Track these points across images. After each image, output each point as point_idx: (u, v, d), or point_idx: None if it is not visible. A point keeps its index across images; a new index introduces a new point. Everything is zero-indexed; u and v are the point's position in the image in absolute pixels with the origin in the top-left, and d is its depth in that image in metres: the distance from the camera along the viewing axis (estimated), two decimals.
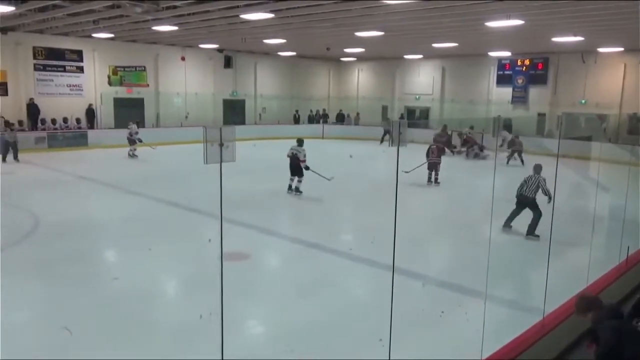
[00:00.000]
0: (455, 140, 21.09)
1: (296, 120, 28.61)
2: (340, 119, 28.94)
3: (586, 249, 6.18)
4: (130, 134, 17.86)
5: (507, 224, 9.06)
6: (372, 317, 5.30)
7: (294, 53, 26.80)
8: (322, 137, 25.74)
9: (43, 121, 20.28)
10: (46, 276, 6.81)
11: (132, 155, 17.80)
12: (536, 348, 4.18)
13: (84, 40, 20.89)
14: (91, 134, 20.70)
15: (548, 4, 12.02)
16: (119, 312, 5.71)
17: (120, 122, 21.87)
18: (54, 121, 20.29)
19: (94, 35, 19.96)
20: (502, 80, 25.05)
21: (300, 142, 12.25)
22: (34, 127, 20.02)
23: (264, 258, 8.16)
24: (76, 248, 7.94)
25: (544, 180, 8.54)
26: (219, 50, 25.40)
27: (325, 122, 28.55)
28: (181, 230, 9.07)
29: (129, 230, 9.17)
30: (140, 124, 21.07)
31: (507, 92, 24.85)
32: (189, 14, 14.85)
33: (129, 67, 22.73)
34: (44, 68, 20.50)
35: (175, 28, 17.29)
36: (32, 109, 20.17)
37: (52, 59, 20.64)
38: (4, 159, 16.19)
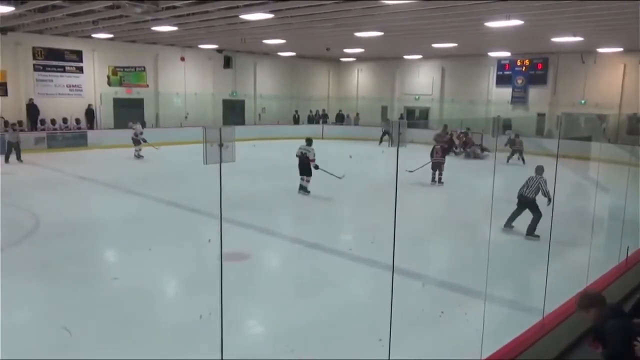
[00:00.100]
0: (455, 141, 21.12)
1: (296, 121, 28.62)
2: (340, 119, 28.95)
3: (586, 249, 6.18)
4: (136, 134, 17.79)
5: (508, 224, 9.10)
6: (372, 317, 5.29)
7: (293, 53, 26.81)
8: (322, 138, 25.70)
9: (42, 121, 20.29)
10: (46, 276, 6.81)
11: (138, 156, 17.78)
12: (536, 348, 4.17)
13: (84, 40, 20.90)
14: (91, 134, 20.70)
15: (549, 4, 12.03)
16: (119, 312, 5.71)
17: (119, 122, 21.89)
18: (53, 121, 20.29)
19: (94, 35, 19.96)
20: (501, 81, 25.07)
21: (309, 141, 12.31)
22: (33, 127, 20.02)
23: (264, 258, 8.16)
24: (76, 248, 7.94)
25: (545, 181, 8.56)
26: (219, 51, 25.41)
27: (324, 122, 28.55)
28: (181, 230, 9.08)
29: (129, 230, 9.18)
30: (142, 124, 21.08)
31: (506, 92, 24.87)
32: (188, 14, 14.86)
33: (128, 67, 22.74)
34: (44, 68, 20.50)
35: (174, 28, 17.29)
36: (32, 110, 20.18)
37: (52, 60, 20.65)
38: (6, 160, 16.11)
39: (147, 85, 23.45)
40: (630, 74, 21.25)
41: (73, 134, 20.29)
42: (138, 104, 23.13)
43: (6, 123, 19.03)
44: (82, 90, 21.59)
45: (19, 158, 16.32)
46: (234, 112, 26.64)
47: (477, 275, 5.11)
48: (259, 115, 27.93)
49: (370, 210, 10.70)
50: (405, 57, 27.12)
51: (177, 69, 24.44)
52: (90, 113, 21.72)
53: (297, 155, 12.22)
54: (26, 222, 9.18)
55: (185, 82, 24.66)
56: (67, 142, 19.78)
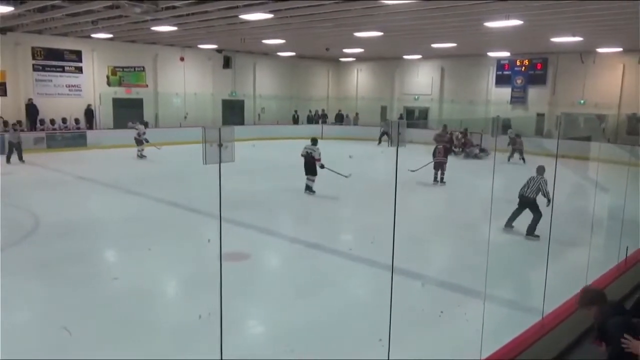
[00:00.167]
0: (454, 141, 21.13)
1: (295, 121, 28.62)
2: (339, 119, 28.95)
3: (585, 249, 6.19)
4: (139, 134, 17.82)
5: (509, 224, 9.12)
6: (372, 317, 5.30)
7: (293, 53, 26.80)
8: (321, 138, 25.47)
9: (42, 121, 20.27)
10: (46, 276, 6.81)
11: (141, 156, 17.78)
12: (535, 348, 4.18)
13: (83, 40, 20.89)
14: (90, 134, 20.69)
15: (548, 4, 12.04)
16: (119, 312, 5.71)
17: (119, 122, 21.90)
18: (52, 121, 20.28)
19: (93, 35, 19.95)
20: (501, 81, 25.08)
21: (314, 141, 12.35)
22: (32, 127, 20.00)
23: (264, 258, 8.16)
24: (76, 248, 7.94)
25: (545, 182, 8.57)
26: (218, 51, 25.40)
27: (324, 122, 28.56)
28: (181, 230, 9.08)
29: (129, 230, 9.18)
30: (141, 124, 21.09)
31: (506, 92, 24.88)
32: (188, 14, 14.85)
33: (127, 67, 22.73)
34: (43, 68, 20.49)
35: (174, 28, 17.29)
36: (31, 110, 20.15)
37: (51, 60, 20.63)
38: (8, 160, 16.08)
39: (147, 85, 23.44)
40: (629, 74, 21.26)
41: (72, 134, 20.29)
42: (137, 104, 23.12)
43: (6, 123, 19.04)
44: (81, 90, 21.58)
45: (20, 158, 16.28)
46: (233, 112, 26.64)
47: (477, 275, 5.11)
48: (259, 115, 27.92)
49: (370, 210, 10.70)
50: (405, 57, 27.13)
51: (176, 69, 24.43)
52: (89, 113, 21.71)
53: (302, 155, 12.24)
54: (26, 222, 9.18)
55: (184, 82, 24.65)
56: (66, 142, 19.77)
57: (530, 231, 8.68)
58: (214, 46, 24.27)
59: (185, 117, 24.42)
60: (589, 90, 22.25)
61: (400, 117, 27.60)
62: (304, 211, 11.26)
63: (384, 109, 29.09)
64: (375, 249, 7.51)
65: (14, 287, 6.21)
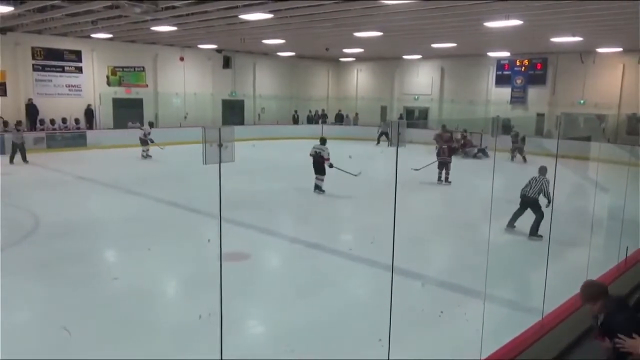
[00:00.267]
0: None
1: (295, 121, 28.63)
2: (339, 119, 28.95)
3: (585, 249, 6.18)
4: (144, 135, 17.82)
5: (511, 224, 9.14)
6: (372, 317, 5.30)
7: (293, 53, 26.80)
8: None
9: (42, 121, 20.27)
10: (46, 276, 6.81)
11: (146, 156, 17.77)
12: (535, 348, 4.18)
13: (83, 40, 20.89)
14: (90, 134, 20.69)
15: (548, 4, 12.04)
16: (119, 312, 5.71)
17: (119, 122, 21.92)
18: (52, 121, 20.28)
19: (93, 35, 19.95)
20: (501, 81, 25.08)
21: (323, 141, 12.46)
22: (32, 127, 19.99)
23: (264, 258, 8.16)
24: (76, 248, 7.94)
25: (548, 182, 8.58)
26: (218, 51, 25.40)
27: (324, 122, 28.53)
28: (181, 230, 9.08)
29: (129, 230, 9.18)
30: (141, 124, 21.10)
31: (506, 92, 24.88)
32: (187, 15, 14.85)
33: (127, 67, 22.73)
34: (43, 68, 20.49)
35: (174, 28, 17.29)
36: (31, 110, 20.15)
37: (51, 60, 20.63)
38: (11, 160, 16.04)
39: (147, 85, 23.45)
40: (629, 74, 21.26)
41: (72, 134, 20.29)
42: (137, 104, 23.13)
43: (5, 123, 19.05)
44: (81, 90, 21.58)
45: (24, 159, 16.21)
46: (233, 112, 26.64)
47: (477, 276, 5.11)
48: (259, 115, 27.93)
49: (371, 210, 10.70)
50: (405, 57, 27.13)
51: (176, 69, 24.43)
52: (89, 113, 21.70)
53: (311, 155, 12.32)
54: (26, 222, 9.18)
55: (184, 82, 24.65)
56: (66, 142, 19.77)
57: (534, 231, 8.69)
58: (214, 46, 24.27)
59: (185, 117, 24.42)
60: (588, 90, 22.25)
61: (400, 117, 27.60)
62: (304, 211, 11.26)
63: (384, 109, 29.09)
64: (376, 249, 7.51)
65: (14, 287, 6.21)
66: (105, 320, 5.52)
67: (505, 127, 19.12)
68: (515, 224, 9.11)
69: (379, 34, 17.08)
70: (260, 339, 5.49)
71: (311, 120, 29.09)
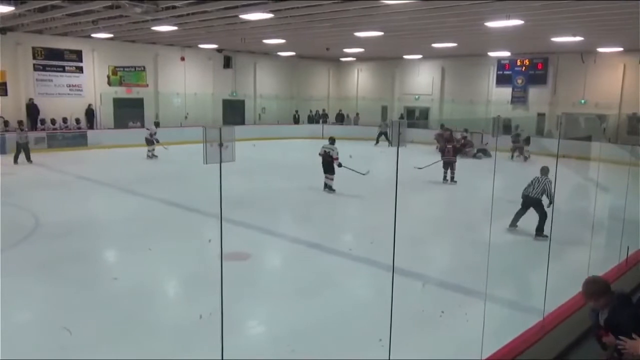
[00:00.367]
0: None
1: (296, 121, 28.62)
2: (340, 119, 28.95)
3: (586, 249, 6.18)
4: (150, 135, 17.83)
5: (513, 224, 9.15)
6: (372, 317, 5.29)
7: (293, 53, 26.80)
8: (322, 137, 25.57)
9: (42, 121, 20.27)
10: (46, 276, 6.80)
11: (152, 156, 17.77)
12: (536, 348, 4.18)
13: (83, 40, 20.90)
14: (90, 134, 20.69)
15: (549, 4, 12.02)
16: (119, 312, 5.71)
17: (119, 122, 21.93)
18: (53, 121, 20.27)
19: (93, 35, 19.96)
20: (501, 81, 25.07)
21: (332, 140, 12.63)
22: (33, 127, 19.99)
23: (264, 258, 8.16)
24: (76, 248, 7.94)
25: (550, 182, 8.58)
26: (219, 51, 25.40)
27: (324, 122, 28.52)
28: (181, 230, 9.07)
29: (129, 230, 9.17)
30: (141, 124, 21.13)
31: (506, 92, 24.86)
32: (188, 14, 14.85)
33: (128, 67, 22.73)
34: (44, 68, 20.50)
35: (174, 28, 17.29)
36: (32, 109, 20.17)
37: (52, 59, 20.65)
38: (15, 161, 15.99)
39: (147, 85, 23.45)
40: (630, 74, 21.24)
41: (73, 134, 20.29)
42: (138, 103, 23.13)
43: (6, 123, 19.04)
44: (82, 90, 21.60)
45: (28, 159, 16.19)
46: (233, 112, 26.63)
47: (478, 276, 5.10)
48: (259, 115, 27.93)
49: (371, 210, 10.70)
50: (405, 57, 27.11)
51: (177, 68, 24.43)
52: (90, 113, 21.72)
53: (320, 154, 12.43)
54: (26, 222, 9.18)
55: (185, 82, 24.66)
56: (67, 142, 19.77)
57: (539, 232, 8.69)
58: (214, 46, 24.27)
59: (186, 117, 24.42)
60: (589, 90, 22.23)
61: (401, 117, 27.59)
62: (304, 211, 11.25)
63: (384, 109, 29.08)
64: (376, 249, 7.50)
65: (14, 287, 6.20)
66: (106, 320, 5.51)
67: (506, 127, 19.13)
68: (518, 223, 9.11)
69: (380, 33, 17.07)
70: (261, 338, 5.49)
71: (312, 120, 29.09)
